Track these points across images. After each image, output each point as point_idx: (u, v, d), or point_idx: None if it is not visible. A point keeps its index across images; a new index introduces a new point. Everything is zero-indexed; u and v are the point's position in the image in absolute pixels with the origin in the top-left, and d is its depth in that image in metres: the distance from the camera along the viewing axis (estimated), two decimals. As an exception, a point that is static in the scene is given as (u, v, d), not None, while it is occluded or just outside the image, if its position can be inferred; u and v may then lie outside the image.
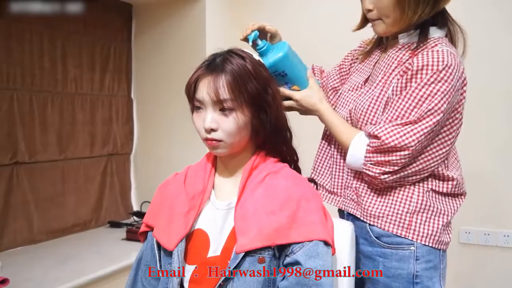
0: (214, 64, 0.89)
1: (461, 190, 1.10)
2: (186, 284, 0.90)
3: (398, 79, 1.01)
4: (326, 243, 0.87)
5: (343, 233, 1.03)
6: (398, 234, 1.03)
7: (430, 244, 1.03)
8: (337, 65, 1.31)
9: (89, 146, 2.33)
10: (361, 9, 1.10)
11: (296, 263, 0.84)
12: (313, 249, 0.85)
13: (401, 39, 1.07)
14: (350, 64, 1.27)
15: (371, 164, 1.00)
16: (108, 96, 2.44)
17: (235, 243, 0.86)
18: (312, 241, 0.85)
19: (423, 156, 1.01)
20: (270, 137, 0.95)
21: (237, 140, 0.90)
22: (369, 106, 1.06)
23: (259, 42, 1.08)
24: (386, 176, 1.00)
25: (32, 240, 2.04)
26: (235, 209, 0.90)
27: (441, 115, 0.96)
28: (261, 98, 0.90)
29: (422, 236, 1.03)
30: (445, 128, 1.02)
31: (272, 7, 2.41)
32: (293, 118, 1.03)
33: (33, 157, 2.04)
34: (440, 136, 1.02)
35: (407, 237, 1.03)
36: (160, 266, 0.95)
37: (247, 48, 1.00)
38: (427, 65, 0.96)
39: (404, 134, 0.96)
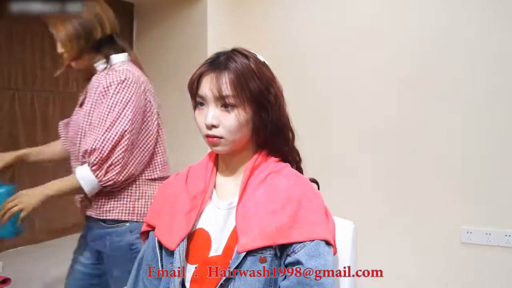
0: (218, 62, 0.90)
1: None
2: (187, 284, 0.90)
3: (94, 96, 1.30)
4: (328, 243, 0.87)
5: (344, 233, 1.03)
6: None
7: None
8: None
9: (90, 146, 2.33)
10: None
11: (298, 262, 0.84)
12: (315, 248, 0.85)
13: (97, 68, 1.37)
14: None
15: (103, 177, 1.24)
16: (110, 96, 2.44)
17: (236, 242, 0.86)
18: (313, 240, 0.85)
19: (132, 161, 1.31)
20: (271, 137, 0.95)
21: (238, 138, 0.90)
22: (82, 122, 1.33)
23: None
24: (117, 176, 1.26)
25: (34, 240, 2.05)
26: (236, 209, 0.90)
27: (129, 114, 1.27)
28: (263, 96, 0.90)
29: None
30: (144, 135, 1.35)
31: (273, 7, 2.41)
32: (295, 119, 1.03)
33: (35, 157, 2.04)
34: (141, 144, 1.34)
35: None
36: (162, 265, 0.95)
37: (251, 48, 1.00)
38: (112, 81, 1.27)
39: (111, 136, 1.24)
